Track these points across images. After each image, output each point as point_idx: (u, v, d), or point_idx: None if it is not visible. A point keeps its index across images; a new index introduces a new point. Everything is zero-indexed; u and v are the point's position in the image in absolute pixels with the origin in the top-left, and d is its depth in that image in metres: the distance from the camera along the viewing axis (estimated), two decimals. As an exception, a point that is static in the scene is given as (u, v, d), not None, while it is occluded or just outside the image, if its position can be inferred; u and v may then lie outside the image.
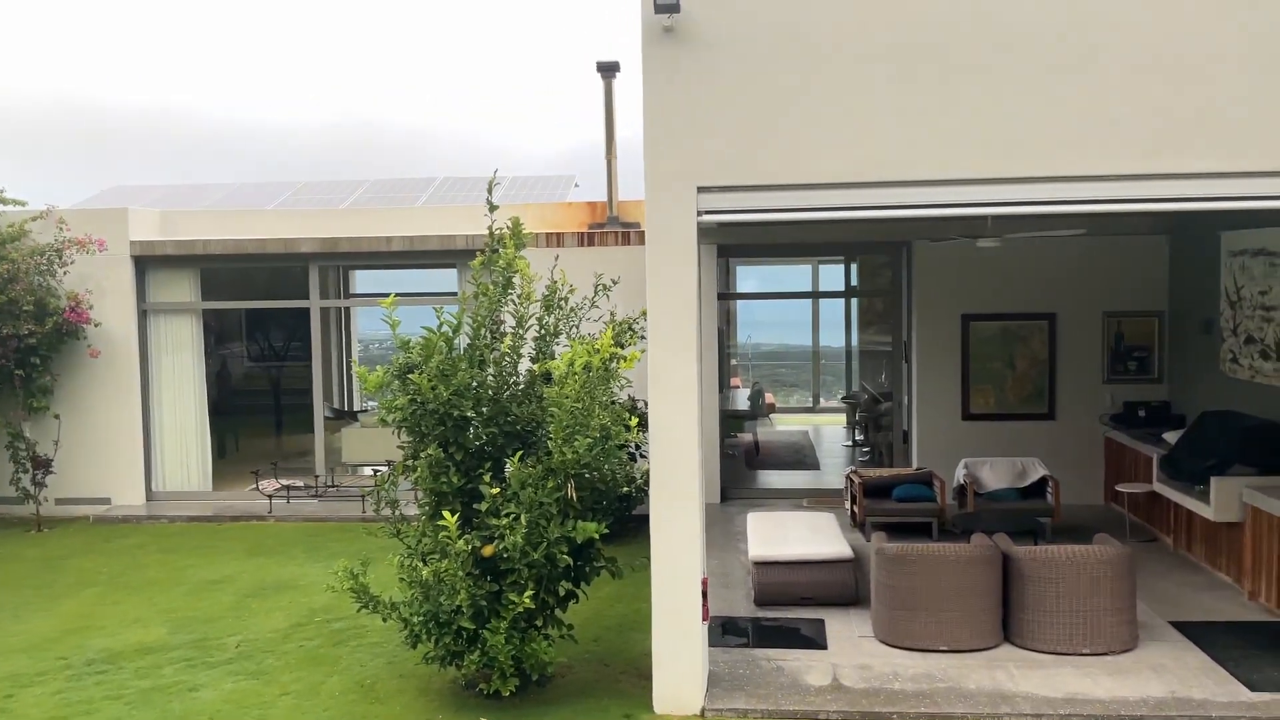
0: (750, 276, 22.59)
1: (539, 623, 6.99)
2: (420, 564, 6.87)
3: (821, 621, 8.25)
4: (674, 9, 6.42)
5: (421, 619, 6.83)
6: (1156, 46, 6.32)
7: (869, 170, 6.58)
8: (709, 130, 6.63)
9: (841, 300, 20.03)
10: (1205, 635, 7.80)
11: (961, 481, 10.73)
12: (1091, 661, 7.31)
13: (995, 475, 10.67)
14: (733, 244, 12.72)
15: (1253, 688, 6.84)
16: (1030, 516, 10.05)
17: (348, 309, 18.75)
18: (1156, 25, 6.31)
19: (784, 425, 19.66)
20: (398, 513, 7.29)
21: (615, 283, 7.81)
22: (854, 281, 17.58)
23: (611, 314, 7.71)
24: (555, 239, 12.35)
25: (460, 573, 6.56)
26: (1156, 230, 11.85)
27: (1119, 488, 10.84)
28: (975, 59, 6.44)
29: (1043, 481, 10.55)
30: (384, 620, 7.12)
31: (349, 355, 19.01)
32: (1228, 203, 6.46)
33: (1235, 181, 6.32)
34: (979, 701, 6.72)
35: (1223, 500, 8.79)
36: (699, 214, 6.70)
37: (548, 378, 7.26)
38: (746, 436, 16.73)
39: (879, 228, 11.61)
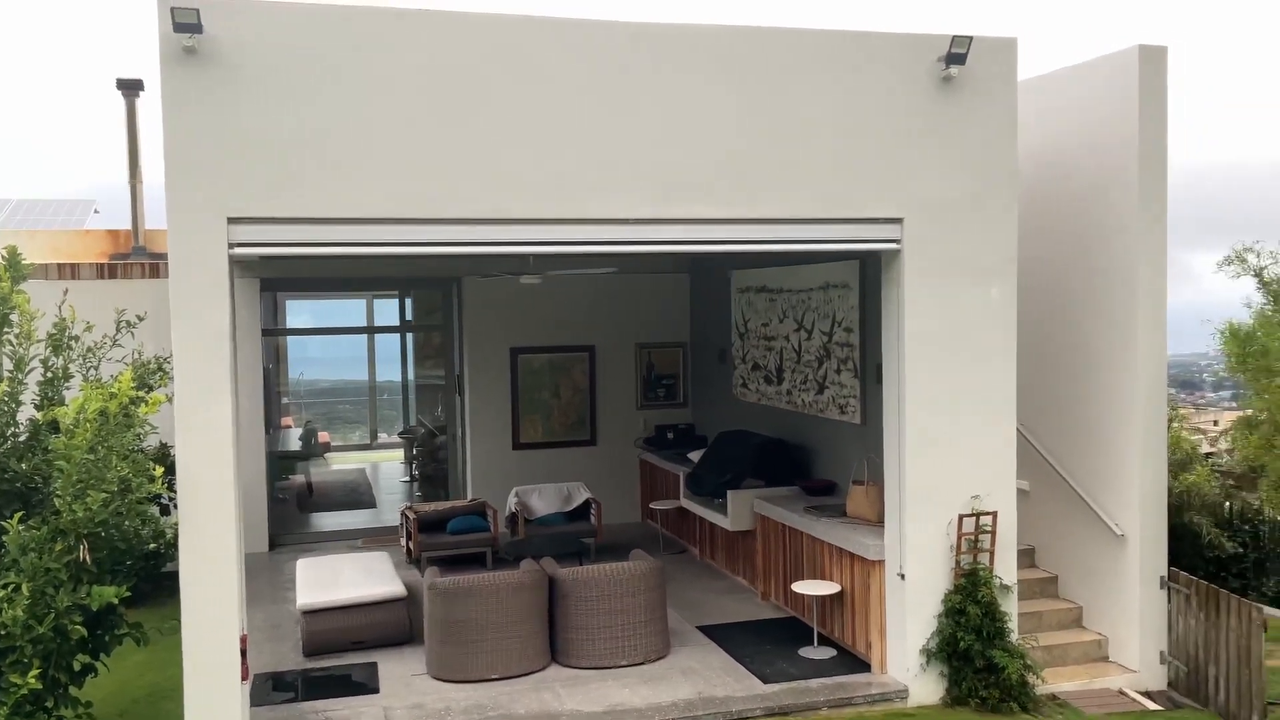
0: (301, 311, 21.76)
1: (49, 704, 6.16)
2: (-110, 652, 5.82)
3: (375, 665, 8.08)
4: (195, 29, 6.04)
5: (-109, 717, 5.78)
6: (670, 110, 6.96)
7: (412, 206, 6.61)
8: (241, 158, 6.31)
9: (398, 335, 19.90)
10: (727, 636, 8.63)
11: (513, 509, 11.06)
12: (630, 672, 7.81)
13: (544, 501, 11.11)
14: (279, 277, 12.19)
15: (765, 680, 7.66)
16: (576, 538, 10.57)
17: None
18: (669, 90, 6.96)
19: (340, 464, 19.09)
20: None
21: (141, 318, 7.19)
22: (409, 316, 17.54)
23: (137, 353, 7.06)
24: (70, 270, 11.11)
25: (-57, 658, 5.64)
26: (679, 269, 13.04)
27: (652, 505, 11.75)
28: (513, 108, 6.71)
29: (587, 504, 11.15)
30: None
31: None
32: (727, 246, 7.28)
33: (731, 228, 7.13)
34: (528, 725, 6.93)
35: (737, 511, 9.80)
36: (231, 246, 6.35)
37: (55, 427, 6.47)
38: (299, 478, 16.04)
39: (429, 263, 11.70)
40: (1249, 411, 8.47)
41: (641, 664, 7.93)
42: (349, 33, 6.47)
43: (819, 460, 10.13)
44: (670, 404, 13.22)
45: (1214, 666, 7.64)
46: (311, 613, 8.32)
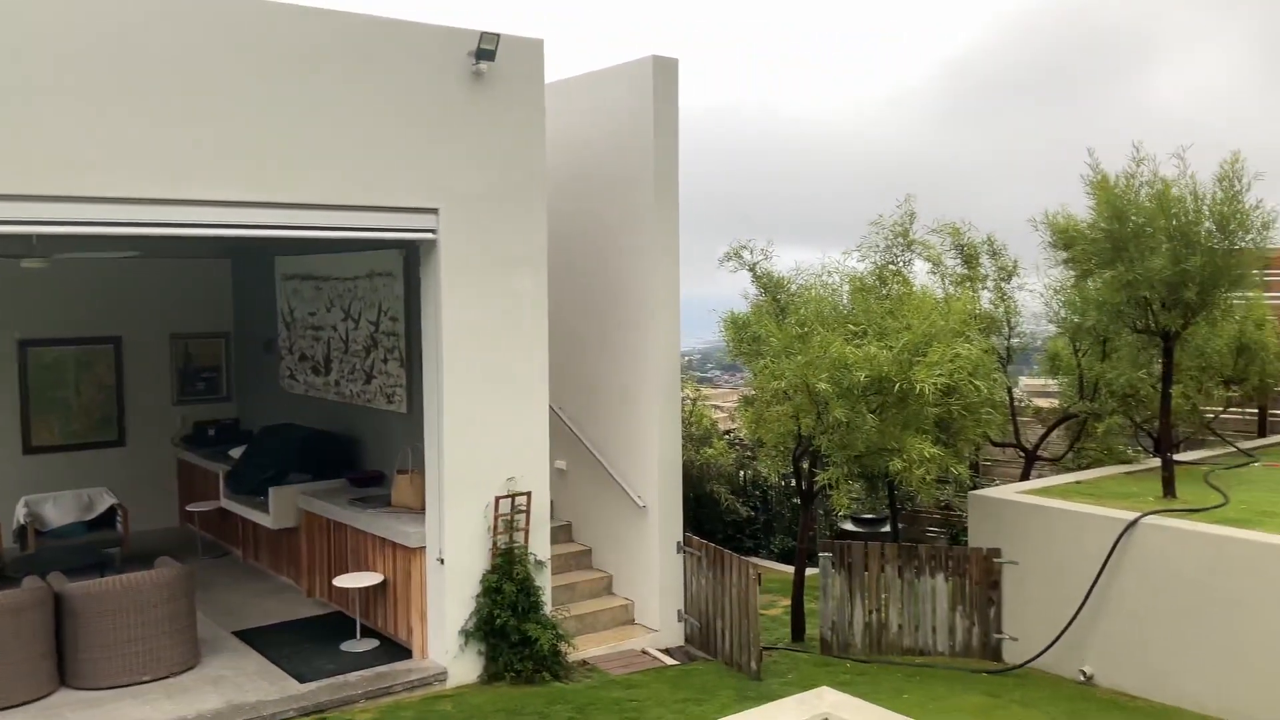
0: None
1: None
2: None
3: None
4: None
5: None
6: (186, 86, 6.51)
7: None
8: None
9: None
10: (265, 638, 8.29)
11: (22, 522, 9.86)
12: (153, 688, 7.26)
13: (60, 511, 10.02)
14: None
15: (302, 679, 7.45)
16: (97, 549, 9.61)
17: None
18: (184, 64, 6.50)
19: None
20: None
21: None
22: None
23: None
24: None
25: None
26: (219, 254, 12.27)
27: (189, 508, 11.00)
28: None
29: (112, 511, 10.20)
30: None
31: None
32: (249, 230, 6.92)
33: (256, 211, 6.81)
34: (25, 760, 6.22)
35: (280, 508, 9.44)
36: None
37: None
38: None
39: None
40: (749, 390, 9.54)
41: (166, 678, 7.39)
42: None
43: (368, 451, 10.02)
44: (212, 398, 12.43)
45: (720, 620, 8.52)
46: None
